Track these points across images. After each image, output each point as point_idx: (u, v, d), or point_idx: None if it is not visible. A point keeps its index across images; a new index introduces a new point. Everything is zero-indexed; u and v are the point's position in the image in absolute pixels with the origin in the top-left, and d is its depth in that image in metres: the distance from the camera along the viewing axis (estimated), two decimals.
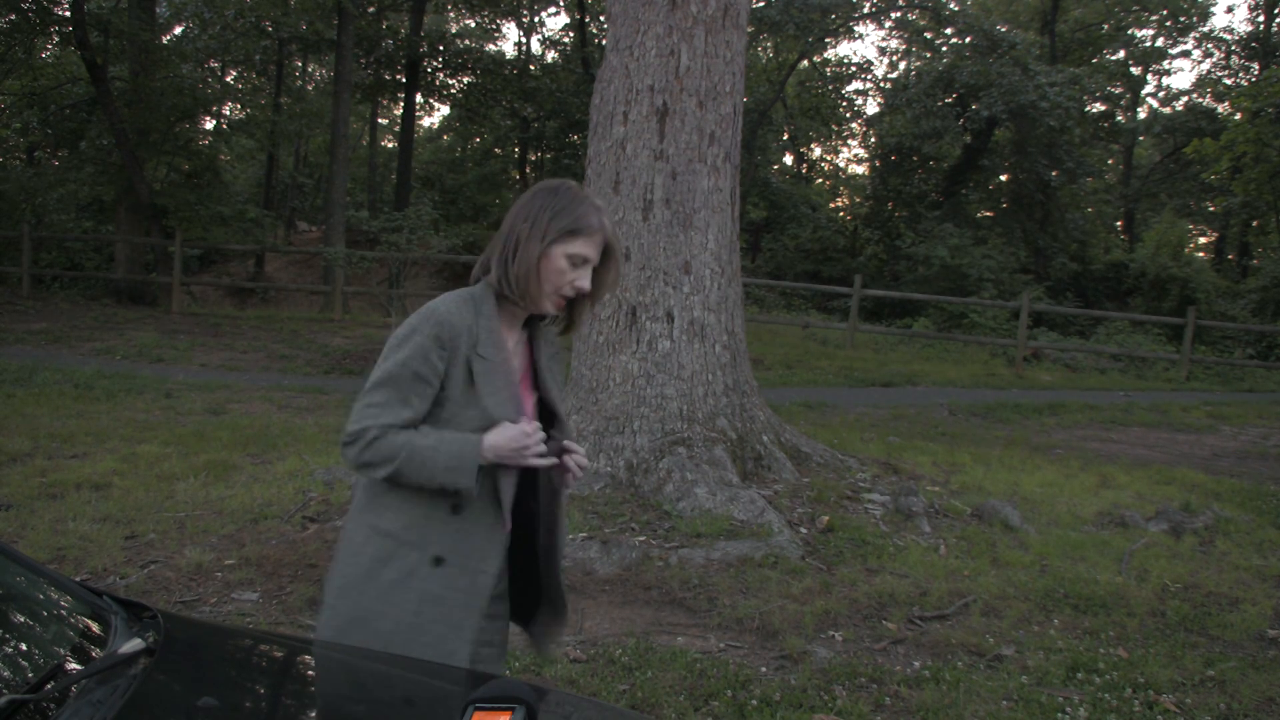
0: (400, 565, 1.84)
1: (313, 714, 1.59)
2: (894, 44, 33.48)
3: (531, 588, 2.04)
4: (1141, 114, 31.97)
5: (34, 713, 1.28)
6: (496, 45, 32.86)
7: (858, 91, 31.90)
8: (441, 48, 25.42)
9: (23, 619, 1.61)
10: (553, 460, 1.89)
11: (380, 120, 34.45)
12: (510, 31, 41.46)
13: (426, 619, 1.83)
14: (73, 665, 1.46)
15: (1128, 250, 27.72)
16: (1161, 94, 37.85)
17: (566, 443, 1.92)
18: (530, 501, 1.95)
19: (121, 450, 6.23)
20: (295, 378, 10.61)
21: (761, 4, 22.17)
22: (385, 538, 1.85)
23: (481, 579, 1.88)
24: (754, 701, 3.12)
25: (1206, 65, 36.25)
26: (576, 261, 1.89)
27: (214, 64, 21.50)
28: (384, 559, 1.84)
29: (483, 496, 1.86)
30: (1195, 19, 29.50)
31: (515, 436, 1.82)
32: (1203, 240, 33.41)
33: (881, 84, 30.32)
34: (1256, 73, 26.05)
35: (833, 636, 3.77)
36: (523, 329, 2.00)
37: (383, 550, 1.85)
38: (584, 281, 1.91)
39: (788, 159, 32.49)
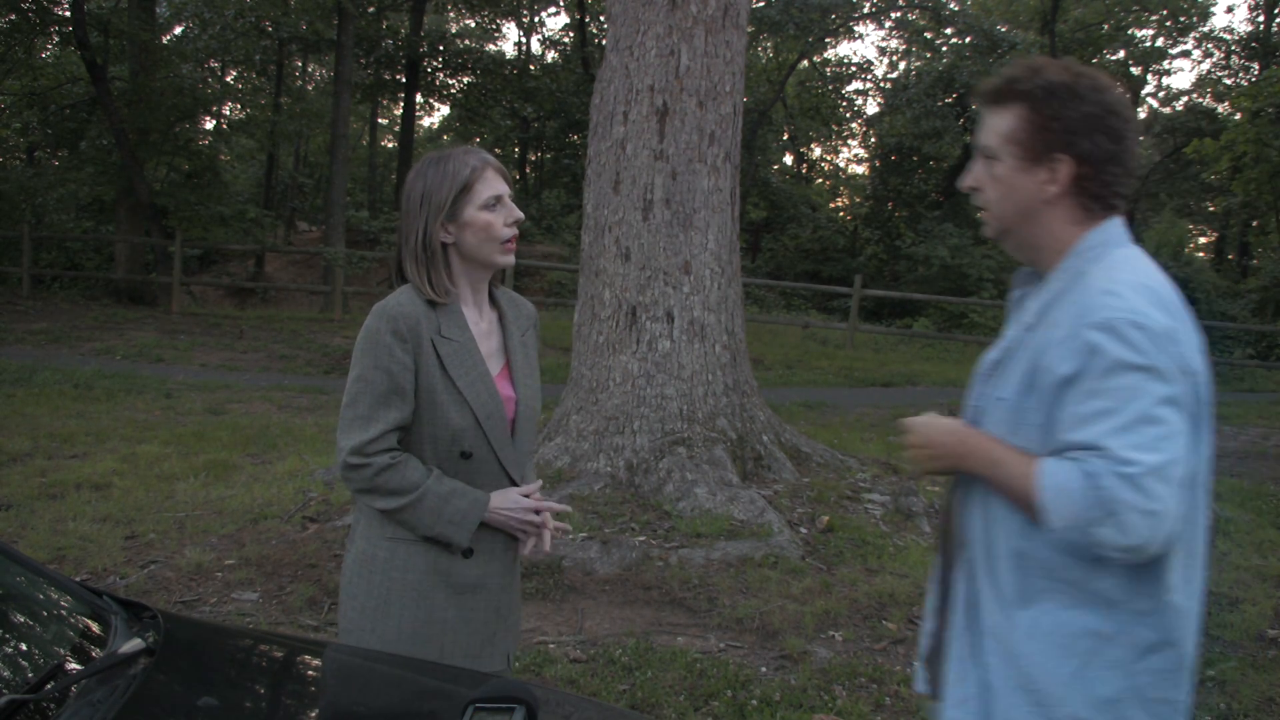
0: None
1: (312, 714, 1.59)
2: (894, 44, 33.39)
3: None
4: (1141, 114, 31.95)
5: (34, 713, 1.28)
6: (496, 45, 32.83)
7: (858, 91, 31.83)
8: (441, 48, 25.39)
9: (23, 619, 1.61)
10: (540, 551, 1.91)
11: (380, 120, 34.41)
12: (510, 31, 41.36)
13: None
14: (73, 665, 1.46)
15: None
16: (1161, 94, 37.81)
17: (552, 520, 1.92)
18: None
19: (121, 450, 6.22)
20: (295, 378, 10.61)
21: (761, 4, 22.15)
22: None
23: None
24: (754, 701, 3.12)
25: (1206, 65, 36.19)
26: (491, 204, 1.84)
27: (214, 64, 21.47)
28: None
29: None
30: (1195, 19, 29.47)
31: (521, 515, 1.85)
32: (1203, 240, 33.45)
33: (881, 84, 30.31)
34: (1256, 73, 26.03)
35: (833, 636, 3.77)
36: (491, 307, 1.95)
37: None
38: (514, 213, 1.87)
39: (788, 159, 32.46)
